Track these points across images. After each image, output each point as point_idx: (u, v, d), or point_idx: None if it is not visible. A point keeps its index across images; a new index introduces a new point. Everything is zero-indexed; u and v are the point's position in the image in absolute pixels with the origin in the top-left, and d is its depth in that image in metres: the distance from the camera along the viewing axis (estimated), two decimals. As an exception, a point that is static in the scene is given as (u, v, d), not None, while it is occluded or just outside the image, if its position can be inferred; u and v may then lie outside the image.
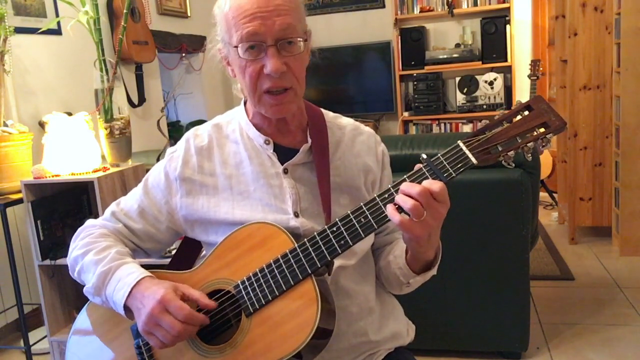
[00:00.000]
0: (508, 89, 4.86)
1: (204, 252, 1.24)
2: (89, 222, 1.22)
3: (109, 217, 1.21)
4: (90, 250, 1.12)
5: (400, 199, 0.93)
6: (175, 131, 4.65)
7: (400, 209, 0.93)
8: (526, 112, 0.96)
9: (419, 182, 0.94)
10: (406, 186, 0.93)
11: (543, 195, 4.39)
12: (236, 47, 1.02)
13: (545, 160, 4.51)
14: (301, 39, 1.03)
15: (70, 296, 2.58)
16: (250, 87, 1.05)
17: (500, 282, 2.16)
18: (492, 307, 2.18)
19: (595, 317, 2.60)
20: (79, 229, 1.21)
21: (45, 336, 2.52)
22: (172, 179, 1.15)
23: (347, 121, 1.22)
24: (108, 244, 1.13)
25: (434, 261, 1.09)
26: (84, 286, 1.12)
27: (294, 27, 1.02)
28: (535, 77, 4.27)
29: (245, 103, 1.19)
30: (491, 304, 2.18)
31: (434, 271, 1.10)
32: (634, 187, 3.27)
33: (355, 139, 1.19)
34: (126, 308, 1.04)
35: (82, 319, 1.19)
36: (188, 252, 1.28)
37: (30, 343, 2.52)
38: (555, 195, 4.38)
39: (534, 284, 2.74)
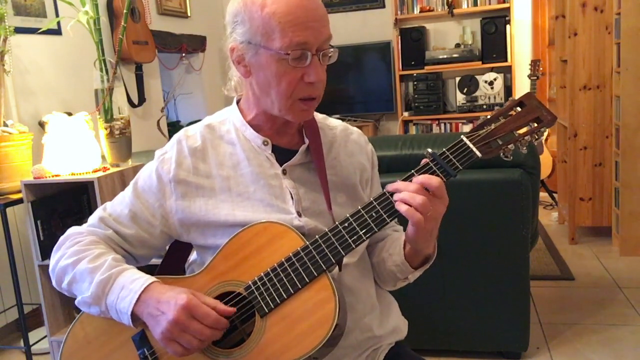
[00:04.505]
0: (508, 89, 4.86)
1: (193, 257, 1.21)
2: (73, 229, 1.16)
3: (96, 223, 1.15)
4: (82, 258, 1.07)
5: (406, 195, 0.95)
6: (175, 131, 4.60)
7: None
8: (518, 108, 1.03)
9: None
10: (401, 185, 0.97)
11: (543, 195, 4.38)
12: (279, 52, 0.99)
13: (545, 160, 4.51)
14: (333, 50, 1.05)
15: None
16: (285, 94, 1.03)
17: (500, 282, 2.16)
18: (492, 307, 2.18)
19: (595, 317, 2.60)
20: (62, 238, 1.15)
21: (45, 336, 2.52)
22: (166, 182, 1.11)
23: (336, 122, 1.23)
24: (101, 252, 1.08)
25: (432, 254, 1.11)
26: (75, 298, 1.07)
27: (331, 38, 1.04)
28: (535, 77, 4.27)
29: (238, 102, 1.17)
30: (491, 304, 2.18)
31: (429, 263, 1.13)
32: (634, 187, 3.27)
33: (347, 138, 1.20)
34: (132, 316, 1.00)
35: (76, 332, 1.13)
36: (176, 258, 1.24)
37: (30, 343, 2.52)
38: (555, 195, 4.38)
39: (534, 284, 2.74)
